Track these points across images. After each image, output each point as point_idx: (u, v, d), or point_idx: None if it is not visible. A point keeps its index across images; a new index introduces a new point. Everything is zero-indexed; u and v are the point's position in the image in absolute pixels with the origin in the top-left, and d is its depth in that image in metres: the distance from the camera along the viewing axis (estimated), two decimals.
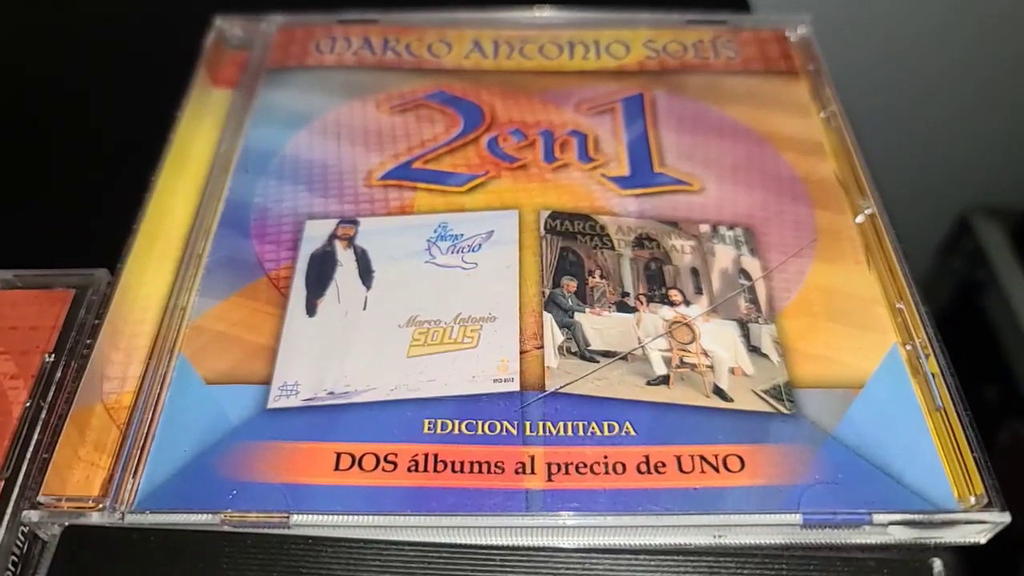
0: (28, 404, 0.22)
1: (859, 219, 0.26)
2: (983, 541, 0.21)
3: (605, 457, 0.21)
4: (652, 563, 0.19)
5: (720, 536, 0.20)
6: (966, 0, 0.59)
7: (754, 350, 0.23)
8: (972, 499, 0.20)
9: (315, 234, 0.26)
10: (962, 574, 0.21)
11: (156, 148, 0.28)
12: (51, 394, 0.22)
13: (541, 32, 0.32)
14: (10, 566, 0.20)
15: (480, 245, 0.25)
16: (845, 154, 0.28)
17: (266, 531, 0.20)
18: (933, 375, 0.22)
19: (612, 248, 0.25)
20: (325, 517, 0.20)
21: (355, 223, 0.26)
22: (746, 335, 0.23)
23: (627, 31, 0.32)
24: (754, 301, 0.24)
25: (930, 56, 0.64)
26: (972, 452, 0.21)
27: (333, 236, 0.26)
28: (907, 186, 0.75)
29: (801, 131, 0.29)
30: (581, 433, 0.21)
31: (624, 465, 0.21)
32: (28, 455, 0.21)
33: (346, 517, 0.20)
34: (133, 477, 0.21)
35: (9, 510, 0.21)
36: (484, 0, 0.32)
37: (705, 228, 0.26)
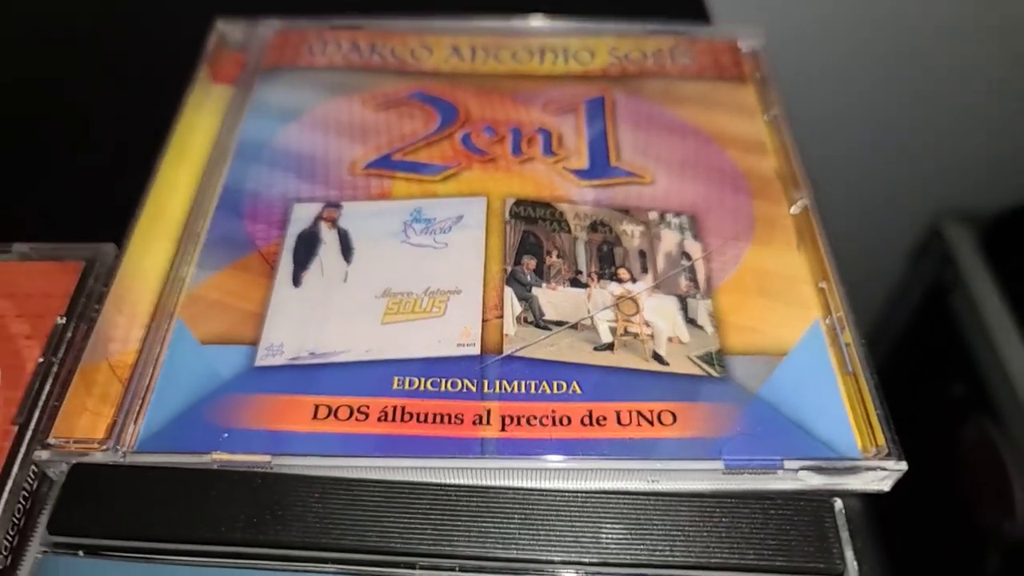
0: (41, 360, 0.25)
1: (794, 209, 0.29)
2: (886, 489, 0.23)
3: (553, 411, 0.24)
4: (593, 500, 0.22)
5: (655, 481, 0.23)
6: (935, 10, 0.62)
7: (691, 322, 0.26)
8: (874, 450, 0.23)
9: (302, 216, 0.28)
10: (863, 517, 0.24)
11: (161, 137, 0.30)
12: (62, 352, 0.25)
13: (514, 39, 0.35)
14: (21, 500, 0.23)
15: (450, 227, 0.28)
16: (784, 152, 0.31)
17: (250, 470, 0.22)
18: (847, 344, 0.25)
19: (569, 232, 0.28)
20: (302, 459, 0.22)
21: (339, 207, 0.29)
22: (684, 309, 0.26)
23: (593, 39, 0.35)
24: (693, 279, 0.27)
25: (902, 72, 0.67)
26: (876, 410, 0.23)
27: (319, 218, 0.28)
28: (881, 193, 0.79)
29: (746, 131, 0.32)
30: (533, 391, 0.24)
31: (569, 418, 0.23)
32: (40, 405, 0.24)
33: (321, 459, 0.22)
34: (134, 423, 0.23)
35: (22, 451, 0.23)
36: (463, 8, 0.35)
37: (653, 215, 0.29)
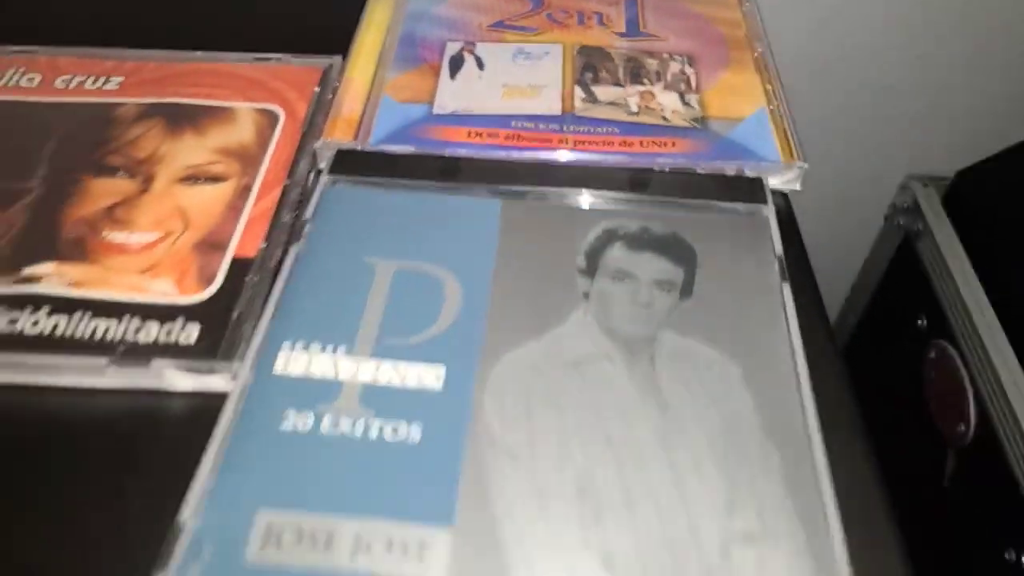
0: (306, 114, 0.43)
1: (755, 54, 0.46)
2: (798, 187, 0.40)
3: (603, 139, 0.41)
4: (608, 174, 0.39)
5: (661, 168, 0.40)
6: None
7: (687, 104, 0.43)
8: (790, 160, 0.40)
9: (452, 48, 0.47)
10: (784, 205, 0.40)
11: (358, 14, 0.49)
12: (318, 110, 0.43)
13: None
14: (309, 167, 0.40)
15: (542, 57, 0.46)
16: (752, 24, 0.48)
17: (432, 153, 0.40)
18: (782, 115, 0.42)
19: (613, 62, 0.46)
20: (463, 150, 0.40)
21: (474, 44, 0.47)
22: (682, 98, 0.43)
23: None
24: (688, 85, 0.44)
25: (878, 49, 0.82)
26: (792, 140, 0.40)
27: (462, 49, 0.46)
28: (863, 159, 0.94)
29: (728, 15, 0.50)
30: (592, 131, 0.41)
31: (612, 143, 0.41)
32: (311, 130, 0.42)
33: (475, 151, 0.40)
34: (367, 135, 0.41)
35: (306, 150, 0.41)
36: None
37: (666, 55, 0.46)
